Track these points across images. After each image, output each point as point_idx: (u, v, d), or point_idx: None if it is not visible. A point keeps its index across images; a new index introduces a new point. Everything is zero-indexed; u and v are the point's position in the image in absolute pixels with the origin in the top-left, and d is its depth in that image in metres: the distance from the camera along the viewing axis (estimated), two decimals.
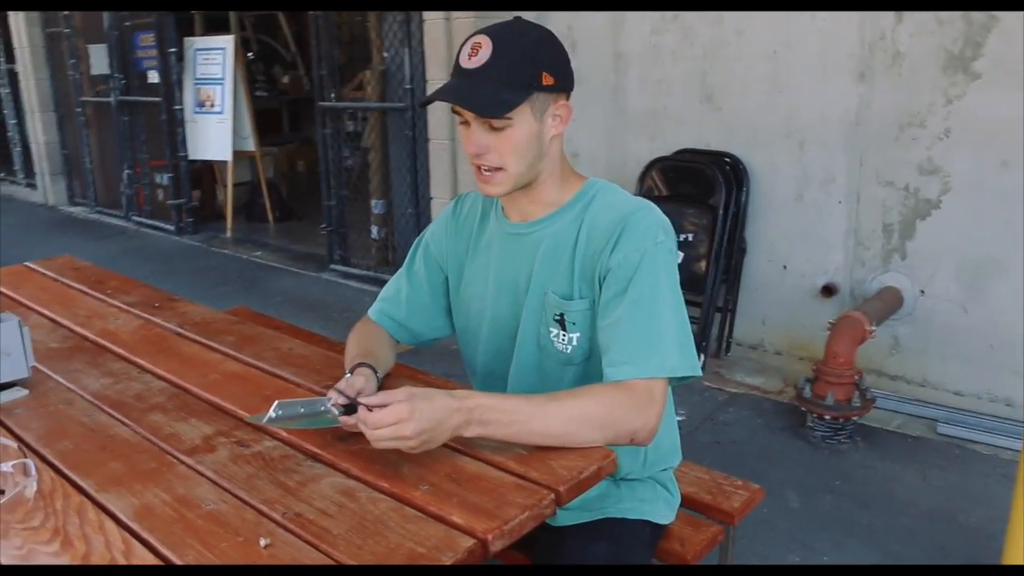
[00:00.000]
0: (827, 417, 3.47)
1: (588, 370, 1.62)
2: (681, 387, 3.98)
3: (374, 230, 5.97)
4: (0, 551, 1.22)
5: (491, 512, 1.26)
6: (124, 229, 7.97)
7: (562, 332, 1.62)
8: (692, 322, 4.18)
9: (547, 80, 1.54)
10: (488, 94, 1.50)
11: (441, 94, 1.52)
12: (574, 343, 1.61)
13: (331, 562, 1.16)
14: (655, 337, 1.49)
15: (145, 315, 2.29)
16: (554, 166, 1.63)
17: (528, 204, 1.66)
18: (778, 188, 4.10)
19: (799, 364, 4.10)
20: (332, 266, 6.15)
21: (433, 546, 1.18)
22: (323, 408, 1.45)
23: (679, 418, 3.69)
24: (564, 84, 1.58)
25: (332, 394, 1.48)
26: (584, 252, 1.58)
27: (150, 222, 7.94)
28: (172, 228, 7.65)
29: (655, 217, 1.56)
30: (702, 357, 4.13)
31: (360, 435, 1.42)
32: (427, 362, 2.19)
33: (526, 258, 1.67)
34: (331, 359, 1.93)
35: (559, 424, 1.43)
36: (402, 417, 1.33)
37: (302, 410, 1.45)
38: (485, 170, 1.57)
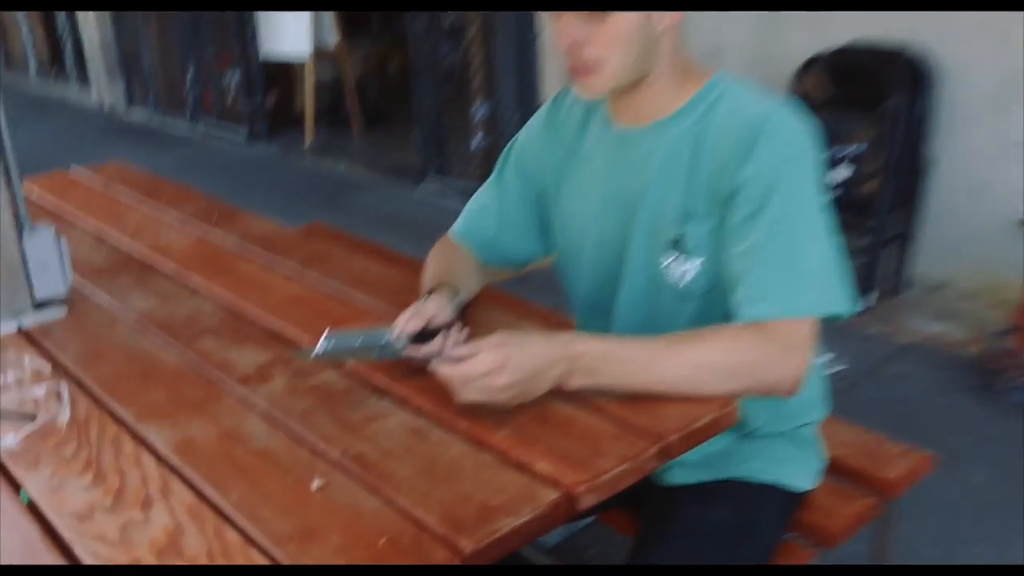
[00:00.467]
0: None
1: (708, 307, 1.60)
2: (839, 332, 3.90)
3: (476, 138, 6.01)
4: (30, 480, 1.30)
5: (582, 462, 1.28)
6: (188, 138, 8.25)
7: (678, 260, 1.61)
8: (858, 255, 4.11)
9: None
10: None
11: None
12: (692, 273, 1.60)
13: (390, 509, 1.20)
14: (799, 268, 1.47)
15: (202, 230, 2.38)
16: (666, 63, 1.60)
17: (638, 105, 1.64)
18: (974, 91, 3.93)
19: (992, 311, 3.97)
20: (426, 180, 6.26)
21: (511, 497, 1.21)
22: (385, 340, 1.49)
23: (839, 368, 3.66)
24: None
25: (401, 320, 1.51)
26: (708, 164, 1.56)
27: (218, 129, 8.20)
28: (243, 136, 7.87)
29: (796, 121, 1.52)
30: (870, 296, 4.06)
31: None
32: (535, 293, 2.22)
33: (637, 170, 1.65)
34: (412, 283, 1.96)
35: (682, 375, 1.43)
36: (494, 366, 1.36)
37: (360, 342, 1.50)
38: (579, 68, 1.56)
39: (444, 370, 1.40)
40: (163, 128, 8.65)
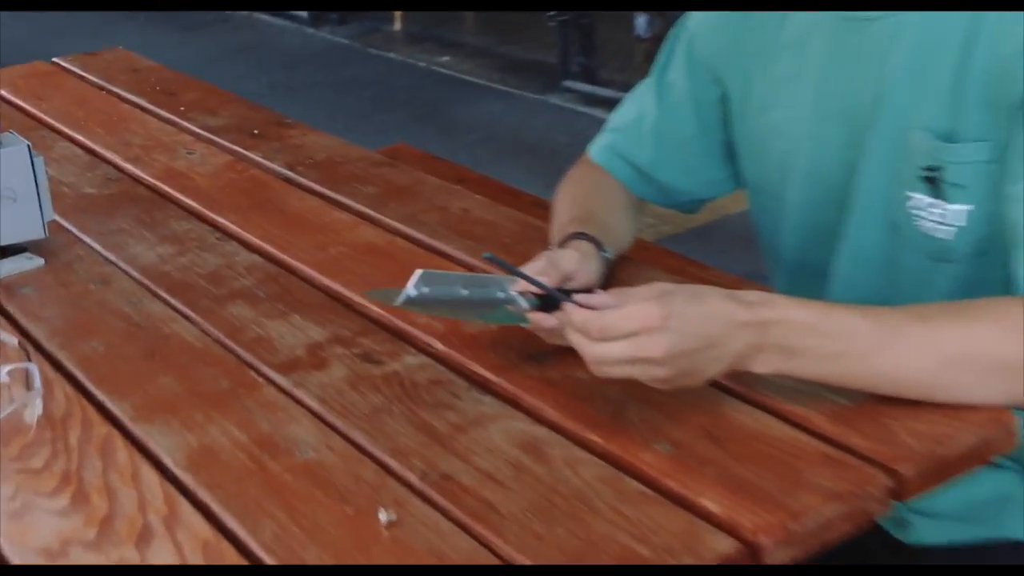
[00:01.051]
0: None
1: (979, 274, 1.59)
2: None
3: (640, 21, 5.98)
4: None
5: (772, 497, 1.27)
6: (227, 15, 8.40)
7: (936, 201, 1.58)
8: None
9: None
10: None
11: None
12: (958, 221, 1.57)
13: (488, 556, 1.22)
14: None
15: (236, 147, 2.45)
16: None
17: None
18: None
19: None
20: (567, 83, 6.30)
21: (663, 545, 1.21)
22: (502, 295, 1.50)
23: None
24: None
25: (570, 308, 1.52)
26: (986, 57, 1.52)
27: (268, 9, 8.34)
28: (305, 15, 7.99)
29: None
30: None
31: (567, 352, 1.47)
32: (716, 252, 2.24)
33: (872, 64, 1.63)
34: (534, 229, 2.00)
35: (926, 368, 1.41)
36: (650, 324, 1.33)
37: (465, 292, 1.51)
38: None
39: (577, 319, 1.39)
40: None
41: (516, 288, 1.50)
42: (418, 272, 1.50)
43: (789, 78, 1.75)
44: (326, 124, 2.82)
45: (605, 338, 1.35)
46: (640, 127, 1.92)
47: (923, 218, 1.60)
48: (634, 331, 1.33)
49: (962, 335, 1.42)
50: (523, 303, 1.50)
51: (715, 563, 1.18)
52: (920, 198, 1.59)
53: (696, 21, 1.89)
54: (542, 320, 1.49)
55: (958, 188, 1.55)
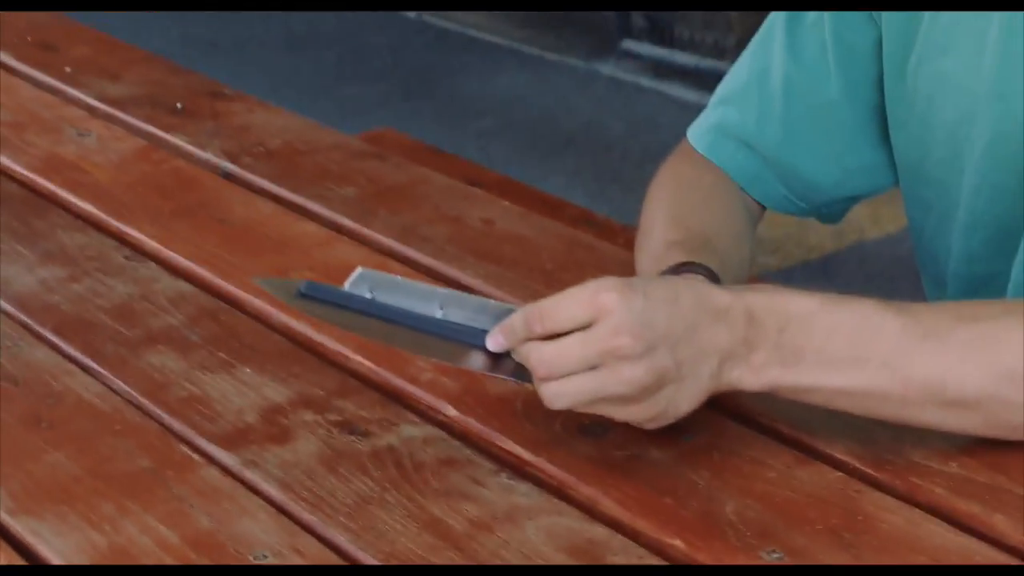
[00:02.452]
0: None
1: None
2: None
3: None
4: None
5: None
6: None
7: None
8: None
9: None
10: None
11: None
12: None
13: None
14: None
15: (151, 128, 2.51)
16: None
17: None
18: None
19: None
20: (625, 44, 6.39)
21: None
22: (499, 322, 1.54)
23: None
24: None
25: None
26: None
27: None
28: None
29: None
30: None
31: (637, 429, 1.53)
32: (844, 283, 2.27)
33: None
34: (586, 249, 2.06)
35: (979, 379, 1.46)
36: (607, 305, 1.41)
37: (440, 314, 1.56)
38: None
39: (515, 318, 1.48)
40: None
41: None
42: (359, 270, 1.56)
43: (966, 26, 1.78)
44: (276, 95, 2.87)
45: (550, 328, 1.42)
46: (763, 93, 1.95)
47: None
48: (584, 316, 1.41)
49: None
50: None
51: None
52: None
53: None
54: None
55: None
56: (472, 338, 1.55)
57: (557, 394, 1.43)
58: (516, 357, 1.48)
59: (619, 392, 1.41)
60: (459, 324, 1.56)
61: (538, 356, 1.42)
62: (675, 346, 1.41)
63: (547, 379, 1.43)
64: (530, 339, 1.44)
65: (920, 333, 1.46)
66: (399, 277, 1.64)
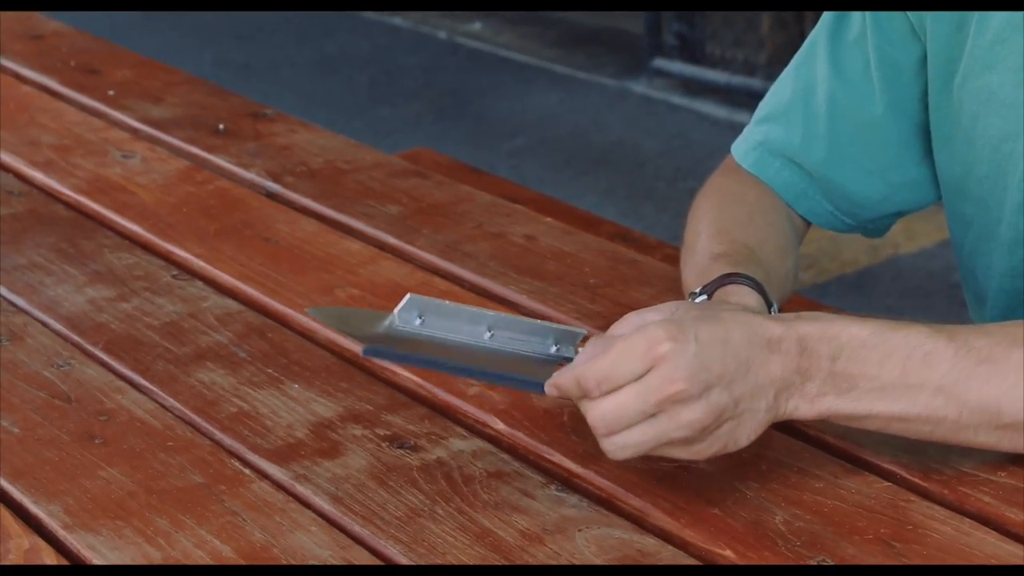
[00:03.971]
0: None
1: None
2: None
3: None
4: None
5: None
6: None
7: None
8: None
9: None
10: None
11: None
12: None
13: None
14: None
15: (195, 149, 2.52)
16: None
17: None
18: None
19: None
20: (656, 62, 6.40)
21: None
22: (555, 349, 1.56)
23: None
24: None
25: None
26: None
27: None
28: None
29: None
30: None
31: None
32: (880, 309, 2.27)
33: None
34: (629, 264, 2.07)
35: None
36: (658, 351, 1.39)
37: (490, 335, 1.56)
38: None
39: (566, 380, 1.45)
40: None
41: (582, 343, 1.55)
42: (408, 296, 1.54)
43: (1017, 24, 1.77)
44: (314, 116, 2.88)
45: (607, 390, 1.40)
46: (807, 110, 1.94)
47: None
48: (640, 369, 1.40)
49: None
50: None
51: None
52: None
53: None
54: None
55: None
56: (525, 365, 1.57)
57: (621, 447, 1.43)
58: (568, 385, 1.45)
59: (680, 436, 1.41)
60: (516, 356, 1.57)
61: (598, 414, 1.41)
62: (731, 384, 1.40)
63: (608, 435, 1.42)
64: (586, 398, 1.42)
65: (973, 358, 1.45)
66: (447, 302, 1.61)
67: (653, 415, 1.39)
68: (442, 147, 3.72)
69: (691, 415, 1.39)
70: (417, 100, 6.29)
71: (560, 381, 1.44)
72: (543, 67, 6.56)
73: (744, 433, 1.44)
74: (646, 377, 1.38)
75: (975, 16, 1.81)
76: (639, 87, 6.21)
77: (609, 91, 6.23)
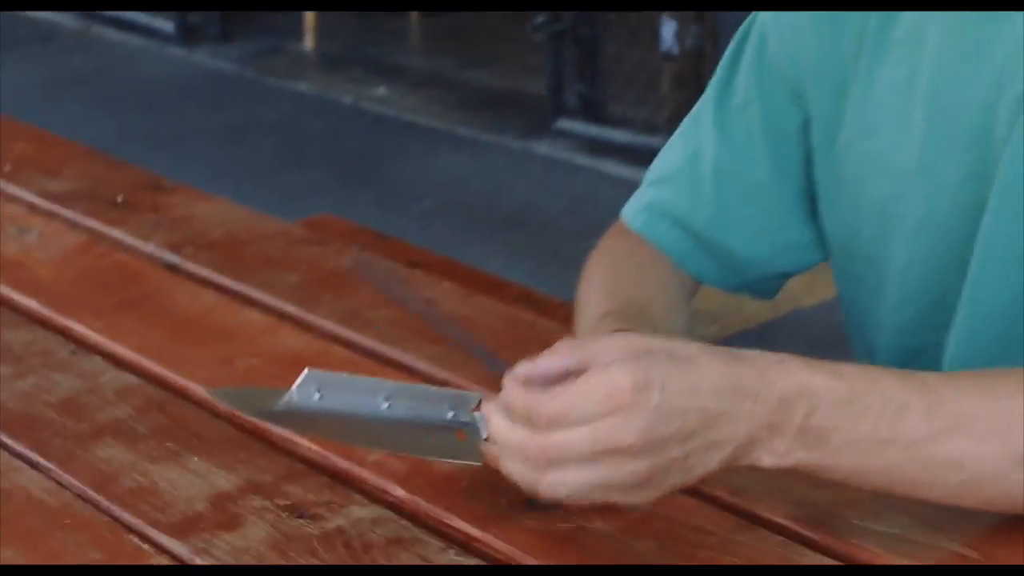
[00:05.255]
0: None
1: None
2: None
3: (667, 34, 6.08)
4: None
5: None
6: (56, 28, 8.47)
7: None
8: None
9: None
10: None
11: None
12: None
13: None
14: None
15: (93, 223, 2.52)
16: None
17: None
18: None
19: None
20: (560, 123, 6.48)
21: None
22: (451, 415, 1.58)
23: None
24: None
25: (512, 387, 1.58)
26: None
27: (120, 13, 8.43)
28: (171, 29, 8.09)
29: None
30: None
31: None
32: (782, 351, 2.29)
33: (1004, 61, 1.71)
34: (527, 327, 2.10)
35: (997, 461, 1.46)
36: (619, 401, 1.35)
37: (386, 406, 1.58)
38: None
39: (517, 401, 1.41)
40: (26, 15, 8.90)
41: (476, 408, 1.56)
42: (306, 371, 1.57)
43: (897, 88, 1.82)
44: (212, 185, 2.89)
45: (557, 427, 1.36)
46: (694, 174, 1.97)
47: None
48: (596, 413, 1.35)
49: None
50: (484, 430, 1.52)
51: None
52: None
53: (770, 20, 1.96)
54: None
55: None
56: (423, 432, 1.60)
57: (556, 484, 1.39)
58: (498, 439, 1.44)
59: (620, 483, 1.39)
60: (412, 423, 1.60)
61: (539, 448, 1.38)
62: (686, 439, 1.37)
63: (546, 470, 1.39)
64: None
65: (943, 413, 1.45)
66: (345, 374, 1.65)
67: (596, 460, 1.36)
68: (350, 212, 3.75)
69: (635, 467, 1.37)
70: (324, 166, 6.33)
71: (512, 399, 1.41)
72: (448, 130, 6.60)
73: (690, 480, 1.43)
74: (600, 423, 1.34)
75: (855, 81, 1.86)
76: (543, 148, 6.26)
77: (513, 152, 6.27)
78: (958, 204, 1.75)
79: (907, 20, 1.82)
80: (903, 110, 1.81)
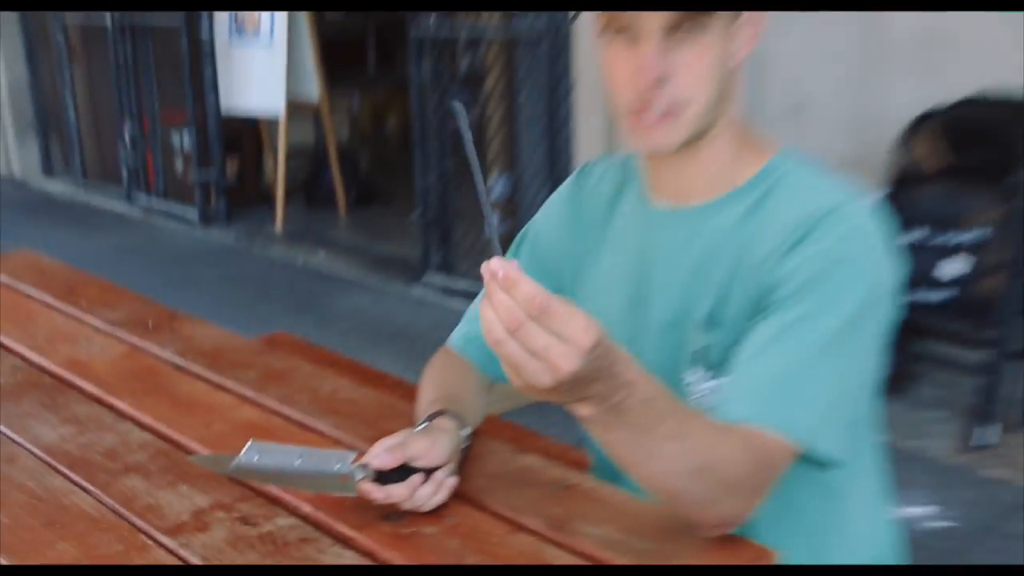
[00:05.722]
0: None
1: None
2: (947, 479, 3.99)
3: (492, 221, 6.08)
4: None
5: None
6: (124, 216, 8.42)
7: (703, 376, 1.68)
8: (974, 374, 4.20)
9: None
10: None
11: None
12: (714, 394, 1.64)
13: None
14: (790, 379, 1.52)
15: (133, 339, 2.48)
16: (729, 118, 1.69)
17: (689, 176, 1.72)
18: None
19: None
20: (427, 276, 6.39)
21: None
22: (338, 466, 1.59)
23: (946, 523, 3.69)
24: None
25: (374, 450, 1.60)
26: (751, 257, 1.63)
27: (163, 206, 8.39)
28: (195, 216, 8.07)
29: (868, 222, 1.60)
30: (989, 429, 4.10)
31: (414, 513, 1.60)
32: (552, 423, 2.29)
33: (672, 262, 1.73)
34: (390, 407, 2.07)
35: (688, 463, 1.43)
36: (583, 341, 1.22)
37: (298, 462, 1.62)
38: (658, 110, 1.60)
39: (526, 290, 1.22)
40: (90, 204, 8.80)
41: (352, 462, 1.60)
42: (250, 442, 1.63)
43: (610, 270, 1.83)
44: (214, 314, 2.86)
45: (536, 318, 1.22)
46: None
47: (695, 392, 1.69)
48: (567, 335, 1.22)
49: (716, 446, 1.44)
50: (359, 475, 1.58)
51: None
52: (695, 374, 1.69)
53: (540, 221, 1.96)
54: (370, 490, 1.57)
55: (720, 366, 1.64)
56: (321, 477, 1.63)
57: (505, 339, 1.23)
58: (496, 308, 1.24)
59: (531, 376, 1.23)
60: (313, 473, 1.63)
61: (513, 318, 1.21)
62: (586, 383, 1.26)
63: (507, 335, 1.22)
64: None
65: (683, 425, 1.41)
66: (273, 443, 1.72)
67: (536, 356, 1.22)
68: (296, 330, 3.72)
69: (547, 380, 1.23)
70: (282, 301, 6.34)
71: (522, 290, 1.22)
72: (359, 281, 6.61)
73: (551, 396, 1.28)
74: (561, 344, 1.21)
75: (587, 264, 1.88)
76: (416, 292, 6.28)
77: (398, 295, 6.31)
78: (637, 350, 1.55)
79: (616, 226, 1.84)
80: (611, 290, 1.82)
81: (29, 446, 1.95)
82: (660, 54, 1.56)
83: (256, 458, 1.64)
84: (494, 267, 1.23)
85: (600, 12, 1.61)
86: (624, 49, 1.60)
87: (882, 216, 1.62)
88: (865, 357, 1.59)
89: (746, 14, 1.62)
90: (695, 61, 1.57)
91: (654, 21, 1.55)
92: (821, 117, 4.80)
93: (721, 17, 1.57)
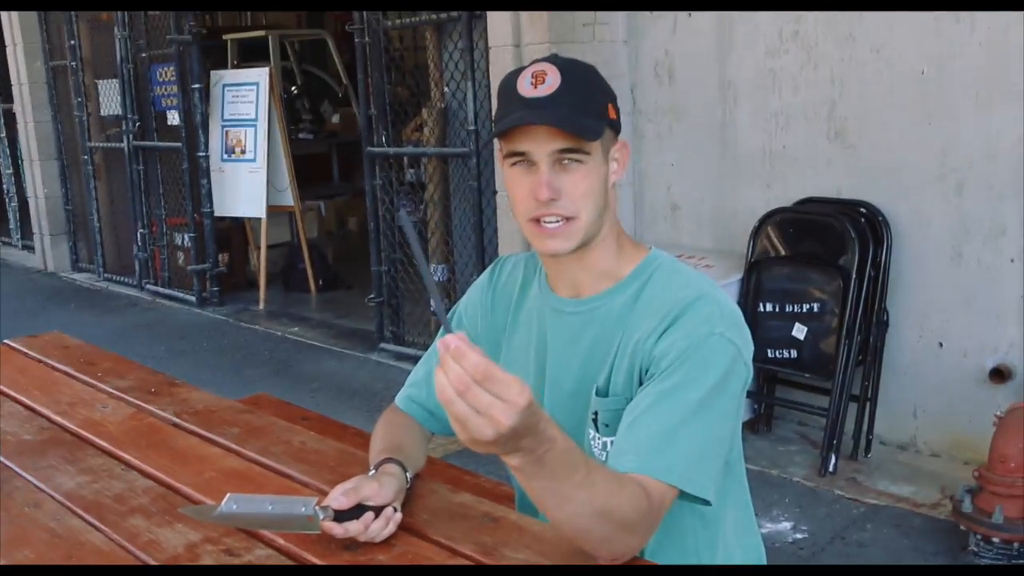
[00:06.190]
0: (995, 539, 3.39)
1: None
2: (799, 496, 3.99)
3: (438, 301, 6.06)
4: None
5: None
6: (136, 300, 8.31)
7: (597, 434, 1.69)
8: (819, 415, 4.24)
9: (611, 114, 1.65)
10: (570, 118, 1.57)
11: (518, 119, 1.58)
12: (608, 450, 1.65)
13: None
14: (668, 435, 1.51)
15: (138, 402, 2.42)
16: (613, 223, 1.72)
17: (581, 273, 1.73)
18: (929, 244, 4.09)
19: (963, 469, 4.02)
20: (382, 345, 6.34)
21: None
22: (304, 509, 1.54)
23: (798, 535, 3.68)
24: (619, 122, 1.68)
25: (334, 494, 1.56)
26: (631, 338, 1.65)
27: (168, 291, 8.28)
28: (194, 299, 7.95)
29: (723, 307, 1.62)
30: (832, 459, 4.13)
31: (370, 545, 1.56)
32: (486, 464, 2.26)
33: (571, 342, 1.74)
34: (349, 455, 2.02)
35: (593, 507, 1.40)
36: (520, 402, 1.21)
37: (270, 508, 1.58)
38: (552, 221, 1.63)
39: (473, 360, 1.19)
40: (109, 291, 8.72)
41: (314, 505, 1.57)
42: (228, 495, 1.60)
43: (520, 346, 1.83)
44: (209, 377, 2.83)
45: (480, 382, 1.19)
46: (429, 380, 1.90)
47: (592, 446, 1.69)
48: (507, 396, 1.21)
49: (614, 494, 1.41)
50: (321, 515, 1.55)
51: None
52: (592, 433, 1.70)
53: (464, 304, 1.95)
54: (331, 527, 1.54)
55: (606, 427, 1.66)
56: (290, 519, 1.60)
57: (454, 399, 1.20)
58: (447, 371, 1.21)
59: (475, 429, 1.21)
60: (283, 516, 1.60)
61: (461, 381, 1.19)
62: (518, 437, 1.23)
63: (454, 396, 1.20)
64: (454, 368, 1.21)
65: (590, 476, 1.37)
66: (250, 495, 1.69)
67: (480, 414, 1.20)
68: (275, 392, 3.64)
69: (488, 434, 1.20)
70: (264, 366, 6.24)
71: (469, 360, 1.19)
72: (328, 348, 6.54)
73: (480, 446, 1.25)
74: (500, 402, 1.19)
75: (504, 340, 1.87)
76: (374, 357, 6.23)
77: (359, 360, 6.25)
78: (552, 410, 1.63)
79: (524, 311, 1.84)
80: (524, 359, 1.82)
81: (52, 492, 1.90)
82: (552, 177, 1.60)
83: (235, 507, 1.59)
84: (447, 341, 1.20)
85: (503, 140, 1.64)
86: (523, 172, 1.63)
87: (733, 301, 1.65)
88: (727, 413, 1.59)
89: (617, 144, 1.68)
90: (580, 182, 1.61)
91: (545, 149, 1.59)
92: (690, 215, 4.84)
93: (597, 147, 1.61)
